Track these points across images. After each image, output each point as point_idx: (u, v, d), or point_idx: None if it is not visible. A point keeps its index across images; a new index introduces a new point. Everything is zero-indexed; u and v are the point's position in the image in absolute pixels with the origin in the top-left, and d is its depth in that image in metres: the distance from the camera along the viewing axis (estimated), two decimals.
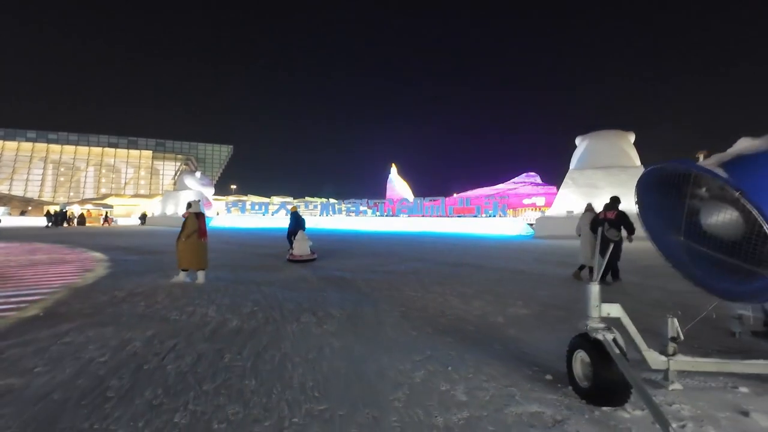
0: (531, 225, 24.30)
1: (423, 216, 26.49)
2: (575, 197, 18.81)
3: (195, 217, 6.67)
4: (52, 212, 36.58)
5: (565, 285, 6.90)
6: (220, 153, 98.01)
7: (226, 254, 11.34)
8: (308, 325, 4.29)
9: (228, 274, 7.74)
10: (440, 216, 25.50)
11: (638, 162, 19.04)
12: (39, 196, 68.44)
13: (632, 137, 19.63)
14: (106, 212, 43.65)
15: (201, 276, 6.59)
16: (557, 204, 19.27)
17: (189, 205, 6.92)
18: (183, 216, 6.82)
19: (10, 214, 50.02)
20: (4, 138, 75.33)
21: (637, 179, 3.31)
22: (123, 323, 4.00)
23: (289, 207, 13.17)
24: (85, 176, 77.69)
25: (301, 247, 9.93)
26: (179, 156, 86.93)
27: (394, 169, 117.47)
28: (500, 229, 22.44)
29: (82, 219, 40.52)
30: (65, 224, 36.06)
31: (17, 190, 68.20)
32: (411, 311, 5.10)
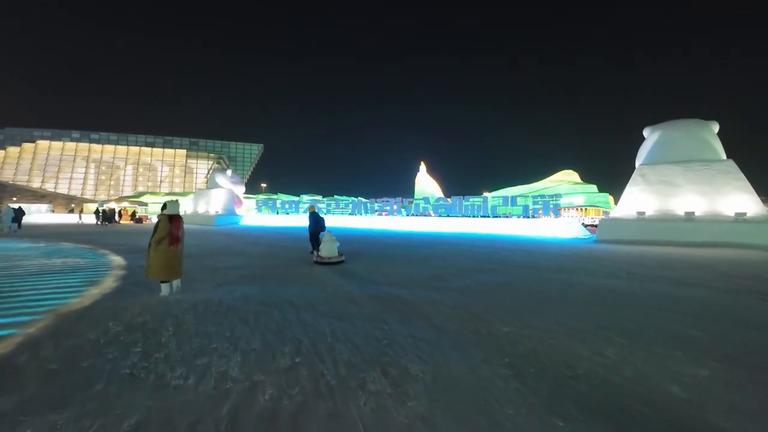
0: (587, 227, 21.90)
1: (462, 216, 24.56)
2: (646, 196, 16.35)
3: (167, 221, 5.53)
4: (99, 210, 37.42)
5: (716, 317, 4.94)
6: (251, 151, 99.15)
7: (256, 259, 10.01)
8: (382, 399, 2.69)
9: (258, 288, 6.30)
10: (482, 216, 23.48)
11: (724, 155, 16.29)
12: (81, 194, 71.22)
13: (716, 127, 16.84)
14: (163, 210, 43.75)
15: (164, 288, 5.64)
16: (624, 204, 16.86)
17: (164, 206, 5.73)
18: (158, 218, 5.65)
19: (53, 211, 52.01)
20: (51, 138, 79.04)
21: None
22: (94, 397, 2.53)
23: (309, 207, 12.02)
24: (124, 174, 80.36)
25: (328, 248, 9.29)
26: (212, 154, 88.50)
27: (423, 167, 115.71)
28: (551, 231, 20.19)
29: (135, 217, 40.75)
30: (115, 221, 36.80)
31: (62, 189, 71.28)
32: (520, 363, 3.42)
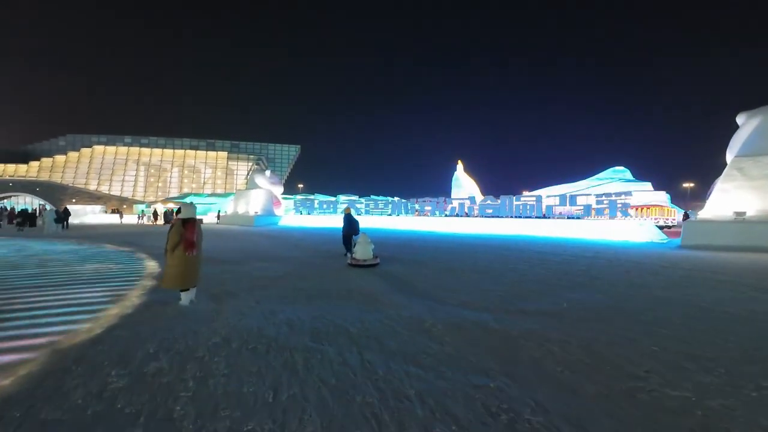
0: (662, 229, 19.34)
1: (512, 217, 22.61)
2: (746, 194, 13.78)
3: (180, 226, 5.09)
4: (160, 211, 38.67)
5: None
6: (289, 152, 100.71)
7: (298, 266, 8.94)
8: None
9: (304, 309, 5.13)
10: (536, 217, 21.44)
11: None
12: (132, 196, 75.09)
13: None
14: (219, 211, 43.63)
15: (185, 297, 5.20)
16: (716, 204, 14.35)
17: (179, 210, 5.35)
18: (171, 223, 5.39)
19: (108, 212, 54.78)
20: (106, 143, 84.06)
21: None
22: None
23: (345, 209, 11.90)
24: (170, 177, 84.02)
25: (363, 251, 8.95)
26: (251, 156, 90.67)
27: (460, 166, 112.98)
28: (621, 234, 17.87)
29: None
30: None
31: (115, 191, 75.52)
32: None
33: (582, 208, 19.51)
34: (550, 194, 26.29)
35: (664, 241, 16.24)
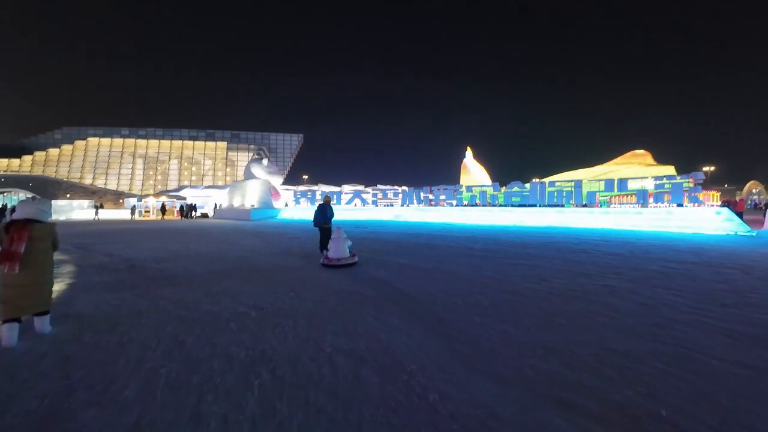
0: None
1: (544, 206, 19.34)
2: None
3: (3, 230, 3.50)
4: (155, 205, 34.77)
5: None
6: (291, 142, 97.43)
7: (280, 290, 5.83)
8: None
9: None
10: (575, 206, 18.15)
11: None
12: (129, 190, 72.56)
13: None
14: (216, 204, 40.07)
15: (37, 326, 3.72)
16: None
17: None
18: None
19: (102, 207, 52.04)
20: (102, 135, 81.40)
21: None
22: None
23: (324, 198, 10.36)
24: (168, 169, 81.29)
25: (338, 248, 8.07)
26: (252, 146, 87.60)
27: (469, 153, 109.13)
28: (688, 224, 14.55)
29: (204, 213, 38.03)
30: (191, 217, 33.06)
31: (111, 184, 73.01)
32: None
33: (635, 193, 16.18)
34: (592, 179, 22.76)
35: (752, 234, 12.91)
